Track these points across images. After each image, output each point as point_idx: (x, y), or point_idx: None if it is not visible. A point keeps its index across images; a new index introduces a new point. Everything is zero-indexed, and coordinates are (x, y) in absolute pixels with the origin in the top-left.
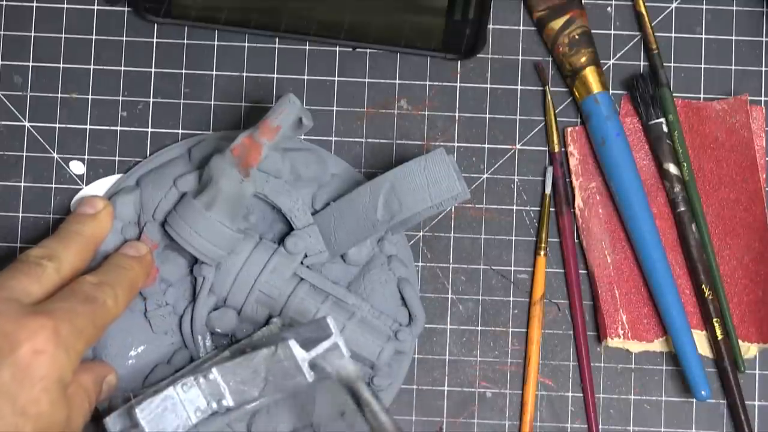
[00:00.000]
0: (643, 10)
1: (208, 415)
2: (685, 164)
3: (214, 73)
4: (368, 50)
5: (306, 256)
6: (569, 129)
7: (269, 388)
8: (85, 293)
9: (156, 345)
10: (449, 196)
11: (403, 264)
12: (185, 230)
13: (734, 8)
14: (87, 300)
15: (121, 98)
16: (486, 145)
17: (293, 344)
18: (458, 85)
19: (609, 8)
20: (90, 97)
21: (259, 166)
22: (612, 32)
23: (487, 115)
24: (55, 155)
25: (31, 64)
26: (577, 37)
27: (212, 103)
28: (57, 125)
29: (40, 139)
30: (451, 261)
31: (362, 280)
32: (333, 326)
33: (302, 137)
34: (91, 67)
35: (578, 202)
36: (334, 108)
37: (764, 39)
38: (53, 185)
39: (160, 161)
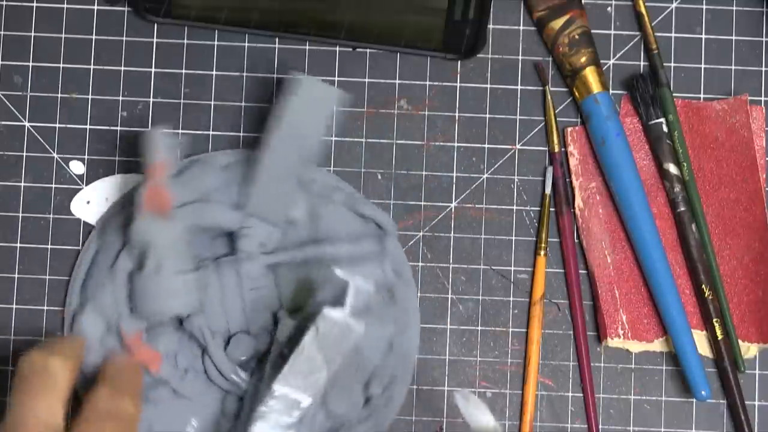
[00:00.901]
0: (643, 10)
1: (297, 420)
2: (685, 164)
3: (214, 73)
4: (368, 50)
5: (263, 245)
6: (569, 129)
7: (331, 363)
8: (107, 409)
9: (202, 408)
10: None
11: (337, 188)
12: (154, 303)
13: (734, 8)
14: (110, 415)
15: (121, 98)
16: (486, 145)
17: (328, 311)
18: (458, 85)
19: (609, 8)
20: (90, 97)
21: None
22: (612, 32)
23: (487, 115)
24: (55, 155)
25: (31, 64)
26: (577, 37)
27: (212, 103)
28: (57, 125)
29: (40, 139)
30: (451, 261)
31: (320, 226)
32: (342, 274)
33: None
34: (91, 67)
35: (578, 202)
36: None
37: (764, 39)
38: (53, 185)
39: (86, 264)
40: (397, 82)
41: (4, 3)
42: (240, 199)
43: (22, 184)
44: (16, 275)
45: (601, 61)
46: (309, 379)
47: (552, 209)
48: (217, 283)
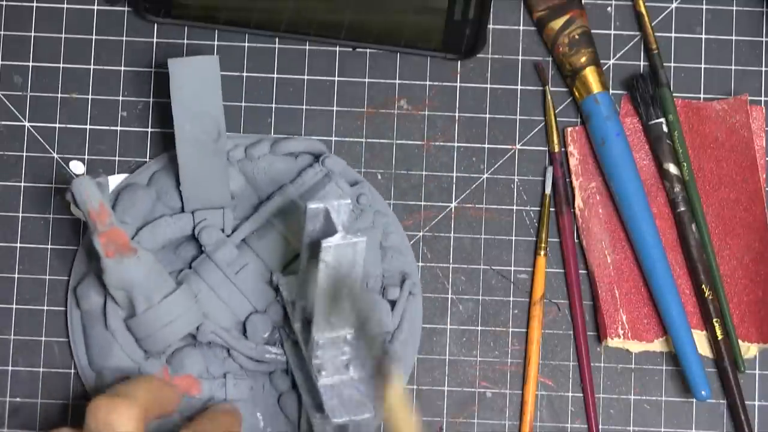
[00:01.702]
0: (643, 10)
1: (351, 354)
2: (685, 164)
3: None
4: (368, 50)
5: (222, 229)
6: (569, 129)
7: (353, 286)
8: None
9: (259, 399)
10: None
11: (259, 142)
12: (161, 336)
13: (734, 8)
14: None
15: (121, 98)
16: (486, 145)
17: (326, 241)
18: (458, 85)
19: (609, 8)
20: (90, 97)
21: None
22: (612, 32)
23: (487, 115)
24: (55, 155)
25: (31, 64)
26: (577, 37)
27: None
28: (57, 125)
29: (40, 139)
30: (451, 261)
31: (261, 184)
32: (315, 204)
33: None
34: (91, 67)
35: (578, 202)
36: (334, 108)
37: (764, 39)
38: (53, 185)
39: (78, 331)
40: (397, 82)
41: (4, 3)
42: (180, 201)
43: (22, 184)
44: (16, 275)
45: (601, 61)
46: (342, 312)
47: (552, 209)
48: (203, 285)
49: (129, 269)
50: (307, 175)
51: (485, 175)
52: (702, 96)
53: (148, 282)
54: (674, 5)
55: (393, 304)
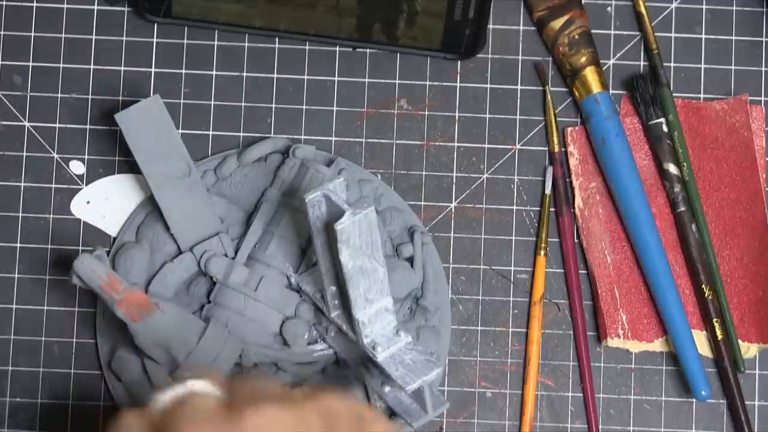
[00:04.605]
0: (643, 10)
1: (397, 321)
2: (685, 164)
3: (214, 73)
4: (368, 50)
5: (226, 255)
6: (569, 129)
7: (377, 256)
8: None
9: None
10: None
11: (225, 159)
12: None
13: (734, 8)
14: None
15: (120, 98)
16: (486, 145)
17: (339, 224)
18: (458, 85)
19: (609, 8)
20: (90, 97)
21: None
22: (612, 32)
23: (487, 115)
24: (55, 155)
25: (31, 64)
26: (577, 37)
27: (212, 103)
28: (57, 125)
29: (40, 139)
30: (451, 261)
31: (243, 200)
32: (312, 193)
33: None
34: (91, 67)
35: (578, 202)
36: (334, 108)
37: (764, 39)
38: (53, 185)
39: (126, 403)
40: (397, 82)
41: (4, 3)
42: (174, 243)
43: (22, 184)
44: (16, 275)
45: (601, 61)
46: (376, 285)
47: (552, 209)
48: (229, 312)
49: (158, 325)
50: (283, 173)
51: (485, 175)
52: (702, 96)
53: (180, 330)
54: (674, 5)
55: (410, 260)
